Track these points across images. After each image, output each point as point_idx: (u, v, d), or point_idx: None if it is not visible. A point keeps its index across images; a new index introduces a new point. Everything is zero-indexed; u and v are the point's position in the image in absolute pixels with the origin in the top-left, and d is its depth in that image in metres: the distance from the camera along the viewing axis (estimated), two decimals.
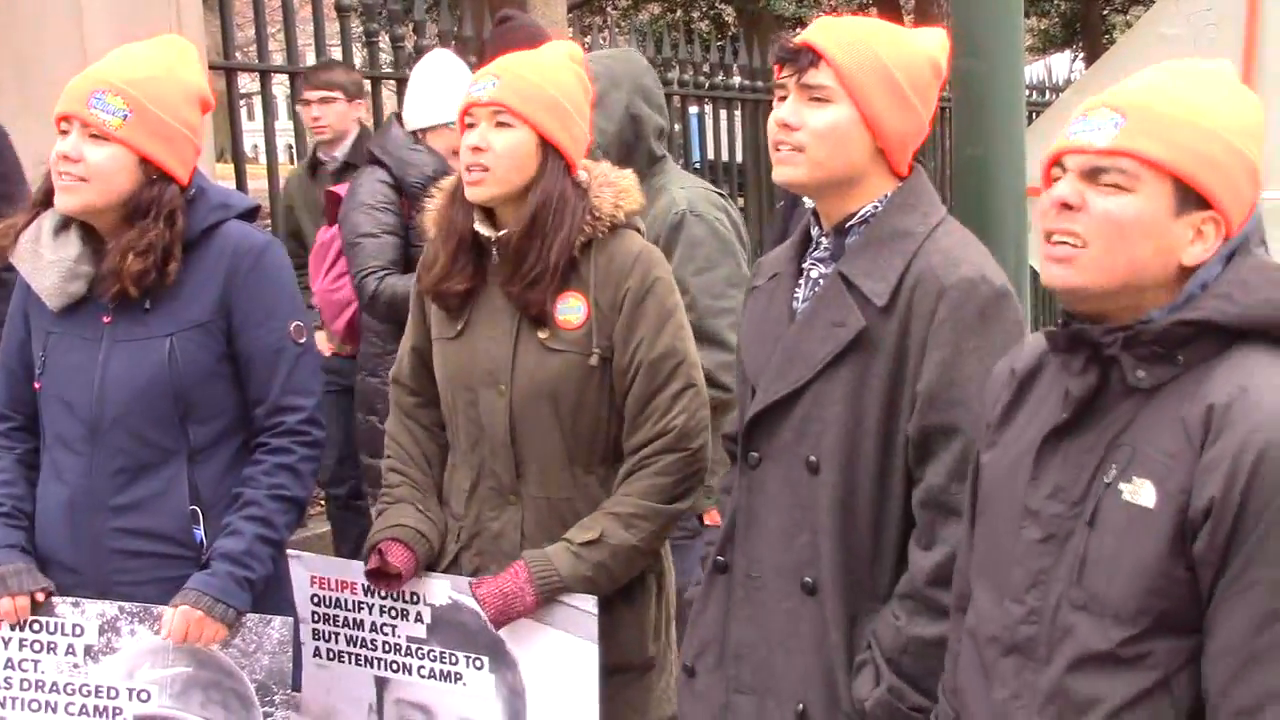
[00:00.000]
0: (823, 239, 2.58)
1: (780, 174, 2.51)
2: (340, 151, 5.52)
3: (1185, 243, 1.95)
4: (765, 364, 2.56)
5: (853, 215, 2.52)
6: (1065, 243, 1.96)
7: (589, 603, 2.93)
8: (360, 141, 5.48)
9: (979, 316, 2.41)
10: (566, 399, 2.97)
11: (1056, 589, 2.00)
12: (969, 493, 2.28)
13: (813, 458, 2.49)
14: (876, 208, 2.52)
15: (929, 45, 2.55)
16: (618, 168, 3.12)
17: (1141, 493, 1.91)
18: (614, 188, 3.02)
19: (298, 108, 5.72)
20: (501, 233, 2.95)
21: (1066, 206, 1.96)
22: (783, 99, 2.50)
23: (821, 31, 2.48)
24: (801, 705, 2.51)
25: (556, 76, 2.98)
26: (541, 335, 2.96)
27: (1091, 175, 1.96)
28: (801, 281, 2.59)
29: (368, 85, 6.24)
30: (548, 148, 2.93)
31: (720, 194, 4.12)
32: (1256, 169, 2.00)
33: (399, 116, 4.74)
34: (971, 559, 2.23)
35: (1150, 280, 1.95)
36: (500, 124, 2.91)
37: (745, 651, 2.61)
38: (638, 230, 3.08)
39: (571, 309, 2.97)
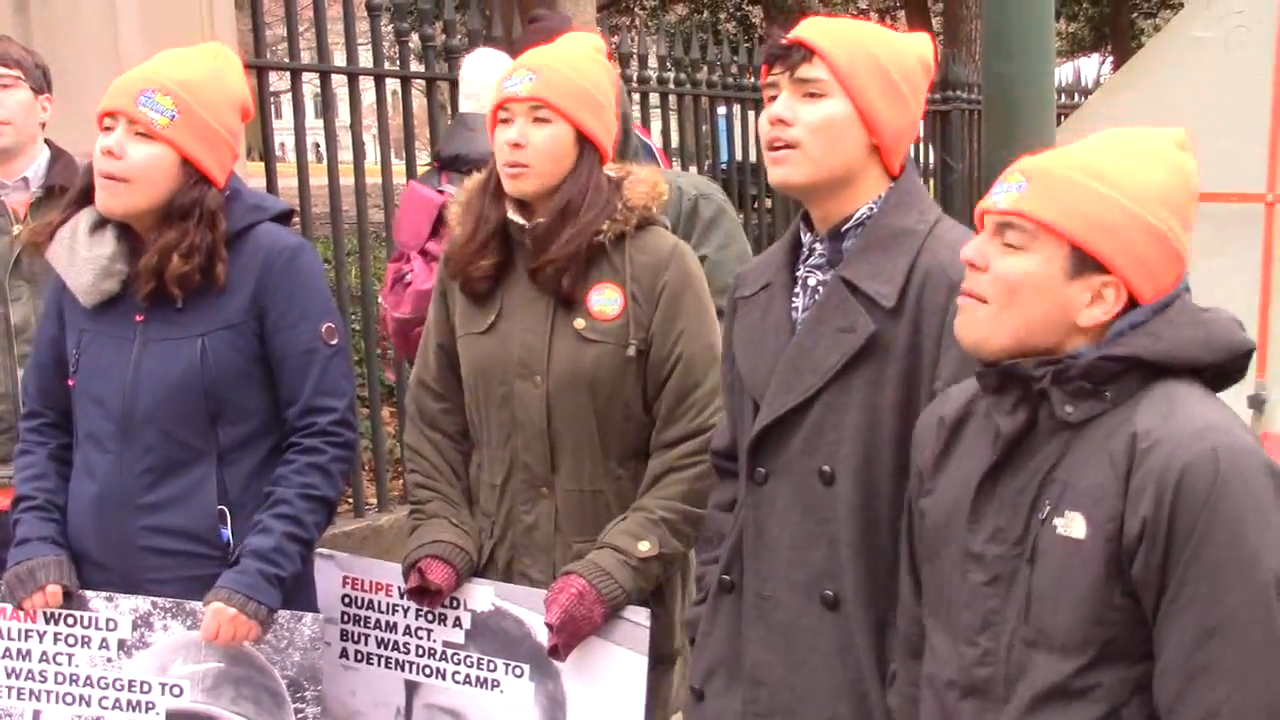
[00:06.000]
0: (816, 245, 2.53)
1: (775, 175, 2.47)
2: (30, 171, 3.76)
3: (1081, 305, 2.02)
4: (766, 377, 2.52)
5: (848, 218, 2.49)
6: (971, 296, 2.07)
7: (642, 615, 2.93)
8: (62, 163, 3.77)
9: None
10: (603, 389, 2.97)
11: (1008, 629, 2.04)
12: (906, 539, 2.33)
13: (826, 468, 2.45)
14: (871, 209, 2.49)
15: (918, 44, 2.54)
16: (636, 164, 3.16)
17: (1074, 525, 1.97)
18: (645, 183, 3.03)
19: None
20: (535, 222, 2.96)
21: (973, 266, 2.07)
22: (773, 98, 2.47)
23: (813, 28, 2.47)
24: None
25: (588, 70, 3.00)
26: (578, 325, 2.97)
27: (999, 233, 2.05)
28: (798, 290, 2.55)
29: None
30: (584, 141, 2.96)
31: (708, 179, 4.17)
32: (1169, 237, 2.03)
33: None
34: (923, 604, 2.26)
35: (1051, 338, 2.03)
36: (538, 119, 2.92)
37: (762, 674, 2.56)
38: (665, 227, 3.09)
39: (608, 300, 2.97)
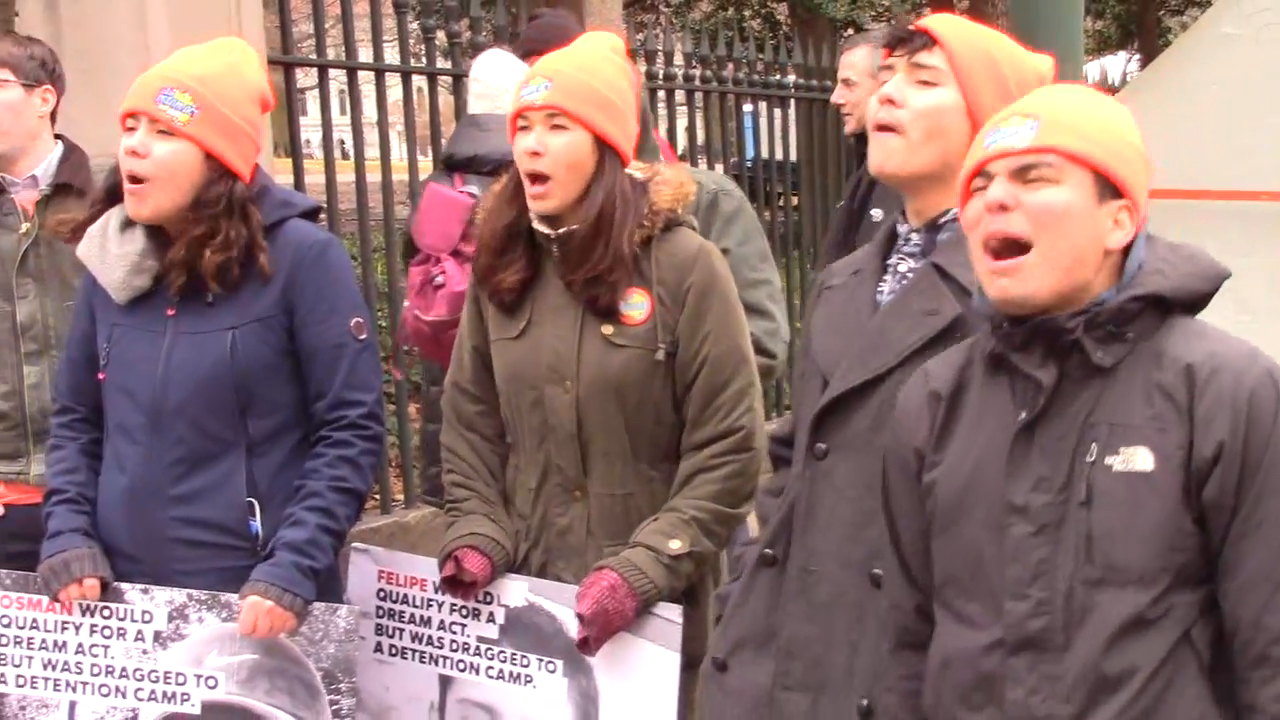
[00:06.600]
0: (912, 235, 2.57)
1: (876, 163, 2.52)
2: (39, 168, 3.64)
3: (1108, 229, 2.11)
4: (841, 354, 2.54)
5: (945, 213, 2.52)
6: (1008, 239, 2.08)
7: (674, 612, 2.94)
8: (72, 160, 3.68)
9: None
10: (632, 394, 2.98)
11: (1063, 575, 2.08)
12: (891, 530, 2.35)
13: None
14: None
15: (1040, 63, 2.59)
16: (665, 165, 3.16)
17: (1136, 459, 2.04)
18: (670, 184, 3.04)
19: None
20: (561, 231, 2.97)
21: (1003, 207, 2.09)
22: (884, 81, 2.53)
23: (939, 20, 2.53)
24: (866, 701, 2.47)
25: (605, 73, 3.00)
26: (606, 331, 2.97)
27: (1019, 175, 2.10)
28: (887, 276, 2.58)
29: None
30: (603, 146, 2.96)
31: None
32: (1150, 164, 2.18)
33: None
34: (936, 583, 2.27)
35: (1088, 269, 2.10)
36: (556, 126, 2.92)
37: (798, 648, 2.56)
38: (692, 228, 3.10)
39: (635, 305, 2.98)
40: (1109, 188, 2.09)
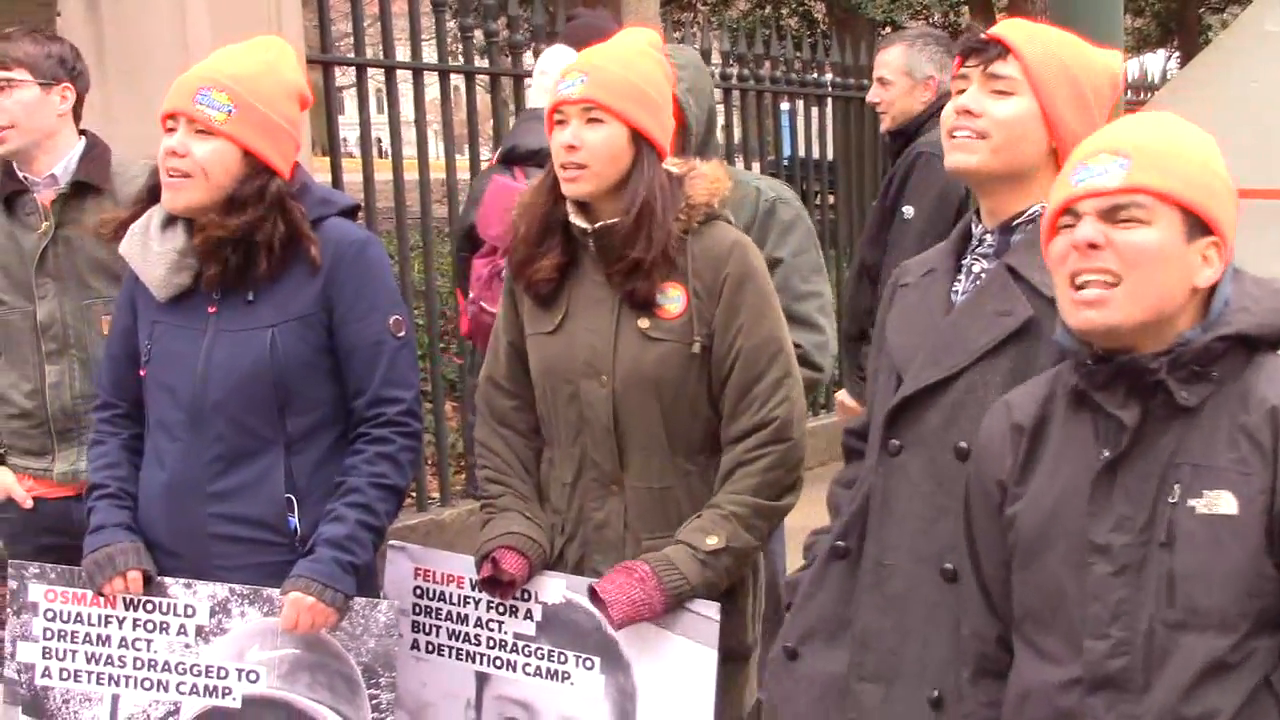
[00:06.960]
0: (986, 236, 2.59)
1: (955, 160, 2.54)
2: (58, 167, 3.62)
3: (1197, 267, 2.10)
4: (914, 352, 2.57)
5: (1020, 214, 2.54)
6: (1096, 280, 2.08)
7: (711, 609, 2.93)
8: (91, 157, 3.65)
9: None
10: (669, 388, 2.98)
11: (1144, 615, 2.07)
12: (972, 559, 2.36)
13: (963, 444, 2.48)
14: (1045, 206, 2.50)
15: (1109, 60, 2.60)
16: (699, 159, 3.16)
17: (1220, 503, 2.03)
18: (706, 178, 3.04)
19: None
20: (599, 224, 2.97)
21: (1093, 246, 2.09)
22: (960, 91, 2.55)
23: (1011, 28, 2.55)
24: (936, 692, 2.50)
25: (642, 67, 3.00)
26: (642, 325, 2.97)
27: (1109, 215, 2.09)
28: (961, 276, 2.61)
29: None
30: (640, 140, 2.96)
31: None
32: (1237, 197, 2.18)
33: None
34: (1016, 615, 2.27)
35: (1175, 306, 2.09)
36: (592, 120, 2.92)
37: (872, 639, 2.60)
38: (728, 221, 3.09)
39: (671, 298, 2.98)
40: (1199, 225, 2.10)
